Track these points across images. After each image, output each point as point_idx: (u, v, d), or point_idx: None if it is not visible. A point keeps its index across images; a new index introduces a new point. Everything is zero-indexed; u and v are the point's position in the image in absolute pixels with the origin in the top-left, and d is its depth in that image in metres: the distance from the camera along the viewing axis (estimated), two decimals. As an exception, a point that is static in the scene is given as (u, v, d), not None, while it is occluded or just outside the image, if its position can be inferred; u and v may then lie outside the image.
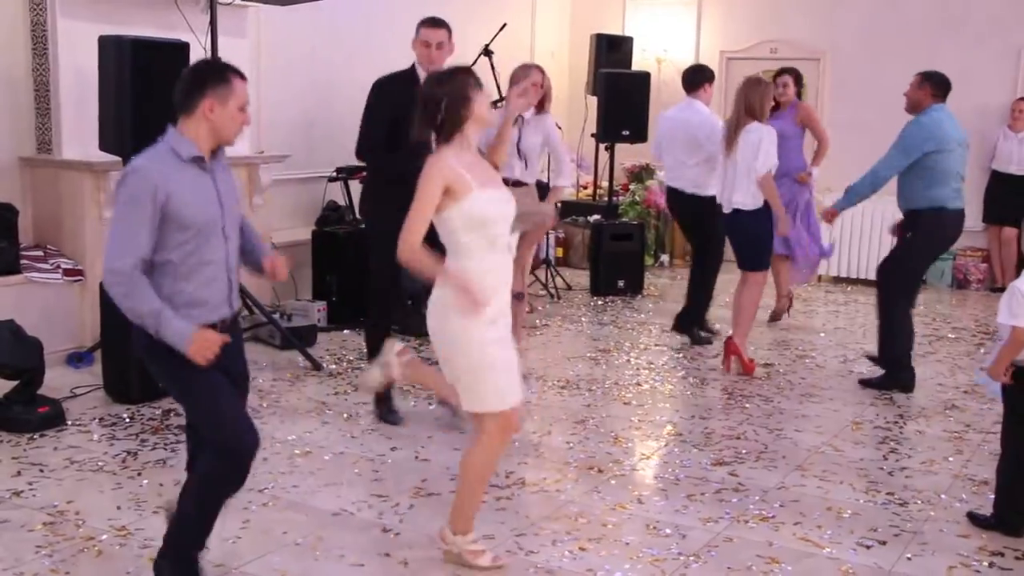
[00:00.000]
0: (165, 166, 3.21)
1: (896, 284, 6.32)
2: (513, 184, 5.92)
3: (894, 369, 6.36)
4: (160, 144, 3.29)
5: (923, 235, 6.24)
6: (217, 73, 3.30)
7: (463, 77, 3.59)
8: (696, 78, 7.55)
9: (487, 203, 3.55)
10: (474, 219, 3.53)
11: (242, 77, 3.33)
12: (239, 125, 3.33)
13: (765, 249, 6.71)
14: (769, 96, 6.62)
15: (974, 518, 4.41)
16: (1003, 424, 4.39)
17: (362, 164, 8.23)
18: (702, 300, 7.52)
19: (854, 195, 6.47)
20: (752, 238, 6.61)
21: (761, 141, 6.37)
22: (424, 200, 3.51)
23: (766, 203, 6.47)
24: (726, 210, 6.67)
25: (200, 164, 3.29)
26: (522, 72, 5.97)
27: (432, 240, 3.63)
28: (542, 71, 6.05)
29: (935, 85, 6.22)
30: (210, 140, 3.31)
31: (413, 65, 5.39)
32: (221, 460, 3.36)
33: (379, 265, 5.37)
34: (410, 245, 3.52)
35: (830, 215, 6.74)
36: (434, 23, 5.32)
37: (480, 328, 3.56)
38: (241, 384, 3.58)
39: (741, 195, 6.50)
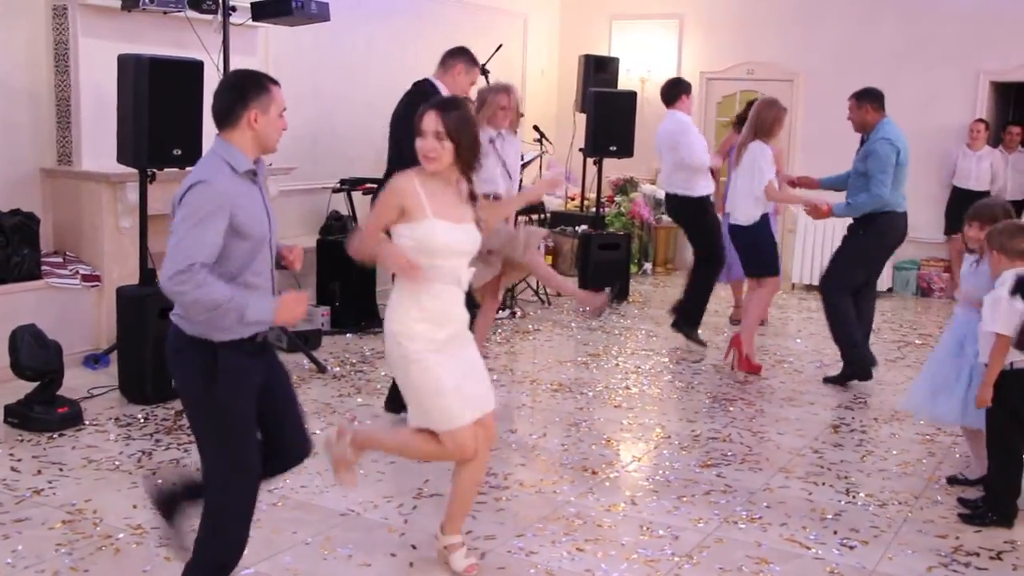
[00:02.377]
0: (226, 179, 3.01)
1: (837, 282, 6.27)
2: (495, 198, 5.80)
3: (849, 358, 6.36)
4: (213, 156, 3.07)
5: (878, 236, 6.23)
6: (256, 83, 3.13)
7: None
8: (673, 91, 7.56)
9: (440, 232, 3.39)
10: (423, 245, 3.39)
11: (277, 83, 3.19)
12: (280, 131, 3.18)
13: (769, 254, 6.64)
14: (781, 118, 6.49)
15: (964, 502, 4.43)
16: (989, 421, 4.29)
17: (365, 177, 8.20)
18: (702, 299, 7.45)
19: (854, 211, 6.27)
20: (753, 246, 6.59)
21: (755, 160, 6.30)
22: (378, 212, 3.51)
23: (764, 215, 6.46)
24: (731, 221, 6.68)
25: (252, 177, 3.12)
26: (491, 95, 5.81)
27: None
28: (509, 92, 5.85)
29: (875, 100, 6.22)
30: (255, 150, 3.12)
31: (431, 82, 5.31)
32: (220, 494, 3.13)
33: None
34: (354, 245, 3.52)
35: (823, 212, 6.35)
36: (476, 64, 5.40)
37: (425, 355, 3.44)
38: (283, 391, 3.32)
39: (739, 212, 6.51)
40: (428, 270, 3.39)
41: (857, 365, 6.35)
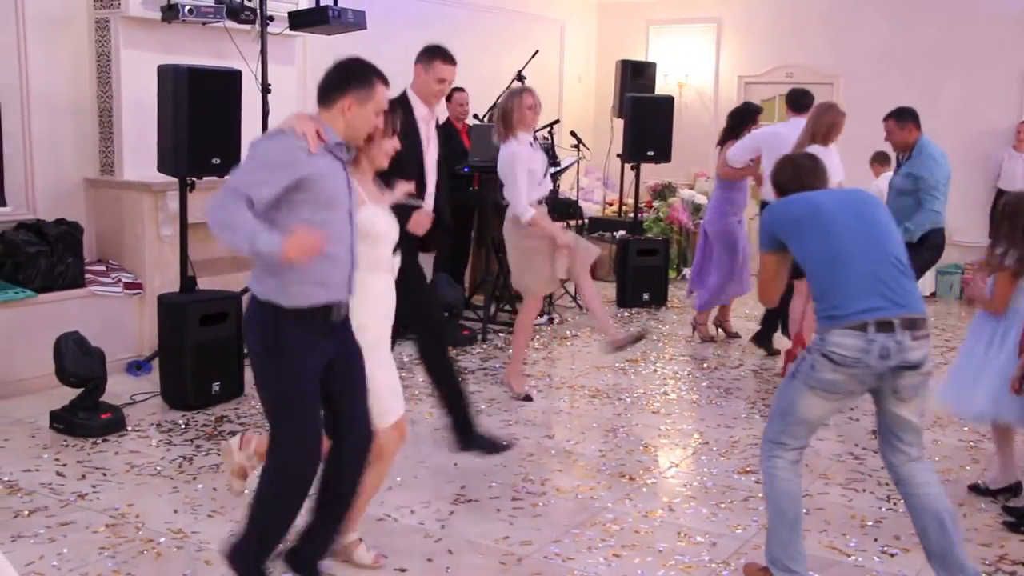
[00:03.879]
0: (312, 142, 3.04)
1: None
2: (541, 203, 5.82)
3: None
4: None
5: (934, 252, 6.21)
6: (361, 74, 3.15)
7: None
8: (803, 100, 7.30)
9: (380, 218, 3.43)
10: (365, 231, 3.37)
11: (385, 82, 3.18)
12: (371, 128, 3.20)
13: None
14: (839, 123, 6.32)
15: (1009, 510, 4.37)
16: None
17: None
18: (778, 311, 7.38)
19: (915, 234, 6.11)
20: None
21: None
22: None
23: None
24: None
25: (339, 152, 3.14)
26: (516, 99, 5.70)
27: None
28: (531, 91, 5.81)
29: (915, 119, 6.19)
30: (342, 135, 3.15)
31: (405, 92, 4.97)
32: (282, 458, 3.21)
33: None
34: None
35: None
36: (453, 60, 4.92)
37: (381, 347, 3.50)
38: (349, 375, 3.30)
39: None
40: (372, 259, 3.40)
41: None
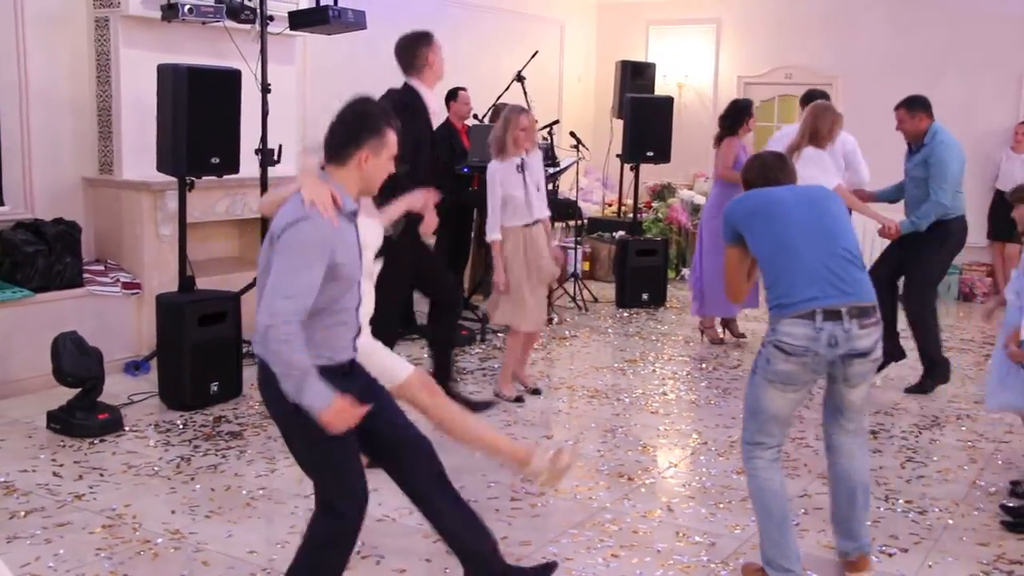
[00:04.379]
0: (333, 215, 2.92)
1: (926, 296, 6.24)
2: (533, 224, 5.81)
3: (933, 366, 6.38)
4: None
5: (954, 243, 6.21)
6: (373, 125, 3.01)
7: None
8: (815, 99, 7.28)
9: (363, 230, 3.30)
10: None
11: (393, 125, 3.06)
12: (386, 175, 3.09)
13: None
14: (839, 123, 6.25)
15: (1007, 509, 4.40)
16: None
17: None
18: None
19: (920, 225, 6.12)
20: None
21: (810, 167, 5.98)
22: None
23: None
24: None
25: (352, 218, 3.03)
26: (512, 116, 5.72)
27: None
28: (528, 113, 5.85)
29: (926, 107, 6.16)
30: (357, 190, 3.04)
31: (409, 86, 5.14)
32: (329, 521, 3.08)
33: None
34: None
35: (894, 234, 6.22)
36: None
37: None
38: (386, 413, 3.23)
39: None
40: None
41: (941, 370, 6.38)
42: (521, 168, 5.72)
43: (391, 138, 3.04)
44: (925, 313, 6.29)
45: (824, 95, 7.35)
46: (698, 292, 7.56)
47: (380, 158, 3.02)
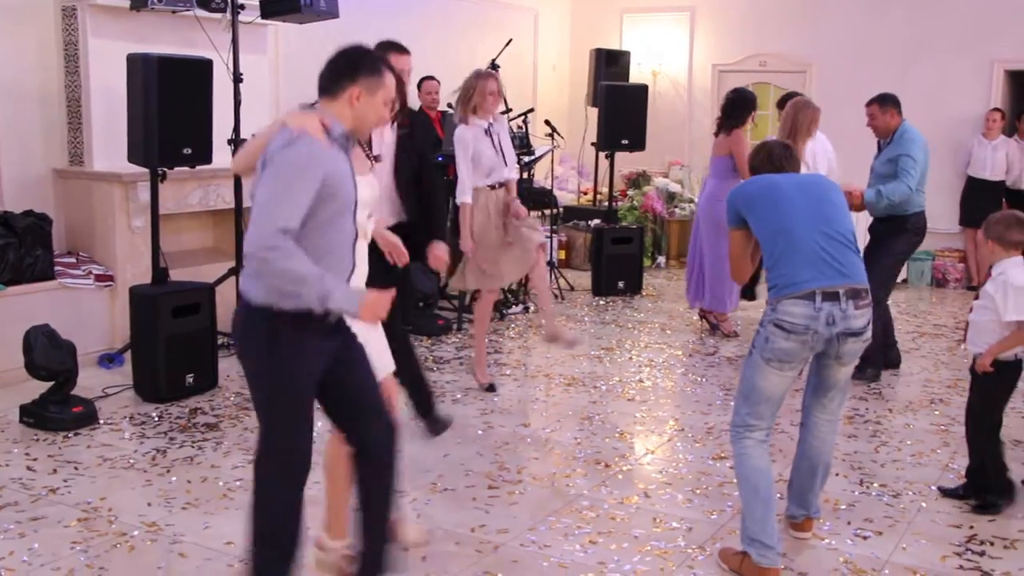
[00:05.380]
0: (322, 140, 2.89)
1: (885, 287, 6.26)
2: (500, 186, 5.84)
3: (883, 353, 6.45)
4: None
5: (913, 236, 6.23)
6: (372, 63, 2.99)
7: None
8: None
9: (361, 187, 3.23)
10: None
11: (394, 72, 3.05)
12: (378, 120, 3.06)
13: None
14: (817, 119, 6.35)
15: (945, 491, 4.49)
16: (973, 409, 4.42)
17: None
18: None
19: (886, 199, 6.08)
20: None
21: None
22: None
23: None
24: None
25: (344, 144, 3.00)
26: (479, 82, 5.71)
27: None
28: (495, 77, 5.83)
29: (897, 104, 6.22)
30: (349, 127, 2.99)
31: None
32: (273, 463, 3.06)
33: None
34: None
35: (857, 201, 6.08)
36: (407, 51, 4.77)
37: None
38: (355, 375, 3.16)
39: None
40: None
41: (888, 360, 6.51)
42: (489, 132, 5.77)
43: (388, 81, 3.01)
44: (879, 309, 6.31)
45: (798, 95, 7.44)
46: (697, 284, 7.53)
47: (374, 98, 2.98)
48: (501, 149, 5.82)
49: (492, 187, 5.81)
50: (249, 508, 3.11)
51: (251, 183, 3.00)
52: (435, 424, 4.69)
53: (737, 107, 7.29)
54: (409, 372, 4.69)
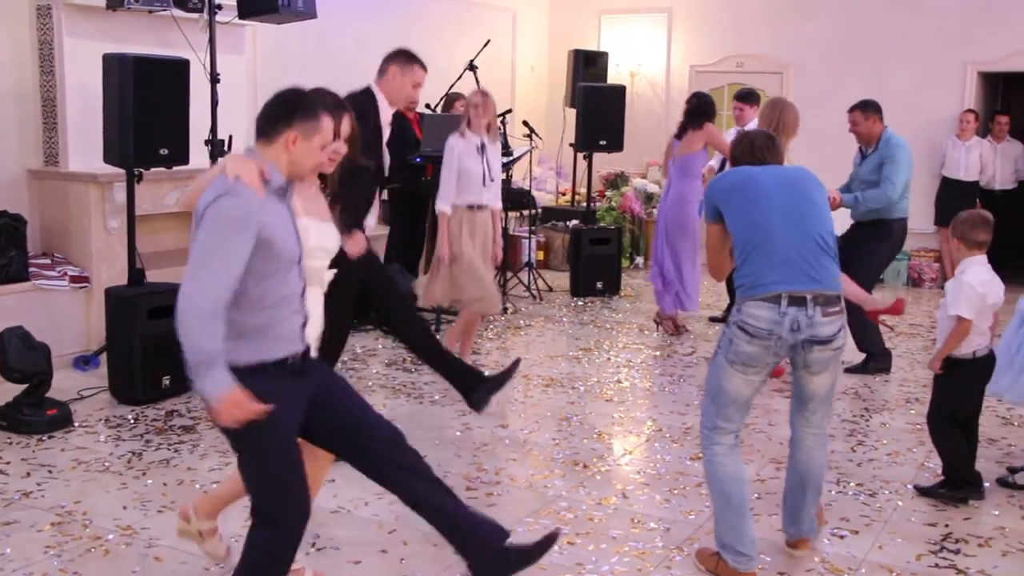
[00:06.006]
0: (258, 190, 2.80)
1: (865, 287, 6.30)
2: (480, 208, 5.87)
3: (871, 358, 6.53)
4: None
5: (895, 242, 6.30)
6: (308, 106, 2.91)
7: None
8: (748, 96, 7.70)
9: (312, 232, 3.20)
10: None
11: (331, 115, 2.97)
12: (316, 164, 2.98)
13: None
14: (797, 120, 6.31)
15: (920, 489, 4.52)
16: (935, 408, 4.50)
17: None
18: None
19: (864, 206, 6.20)
20: None
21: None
22: None
23: None
24: None
25: (282, 194, 2.91)
26: (471, 98, 5.87)
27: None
28: (483, 94, 5.89)
29: (879, 111, 6.27)
30: (285, 172, 2.90)
31: (370, 88, 5.04)
32: (267, 530, 2.93)
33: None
34: None
35: (835, 204, 6.18)
36: (426, 67, 5.04)
37: None
38: (339, 389, 3.16)
39: None
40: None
41: (882, 360, 6.56)
42: (481, 150, 5.83)
43: (325, 125, 2.93)
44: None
45: (754, 93, 7.52)
46: (666, 286, 7.48)
47: (310, 143, 2.90)
48: (488, 171, 5.85)
49: (471, 207, 5.83)
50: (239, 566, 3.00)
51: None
52: (480, 400, 5.03)
53: (701, 111, 7.30)
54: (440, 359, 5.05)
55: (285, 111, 2.90)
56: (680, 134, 7.41)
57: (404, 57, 5.03)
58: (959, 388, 4.40)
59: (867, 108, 6.23)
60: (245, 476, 3.00)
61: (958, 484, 4.42)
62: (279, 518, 2.93)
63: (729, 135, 7.50)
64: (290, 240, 2.88)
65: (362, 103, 4.88)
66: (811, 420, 3.74)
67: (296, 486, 2.94)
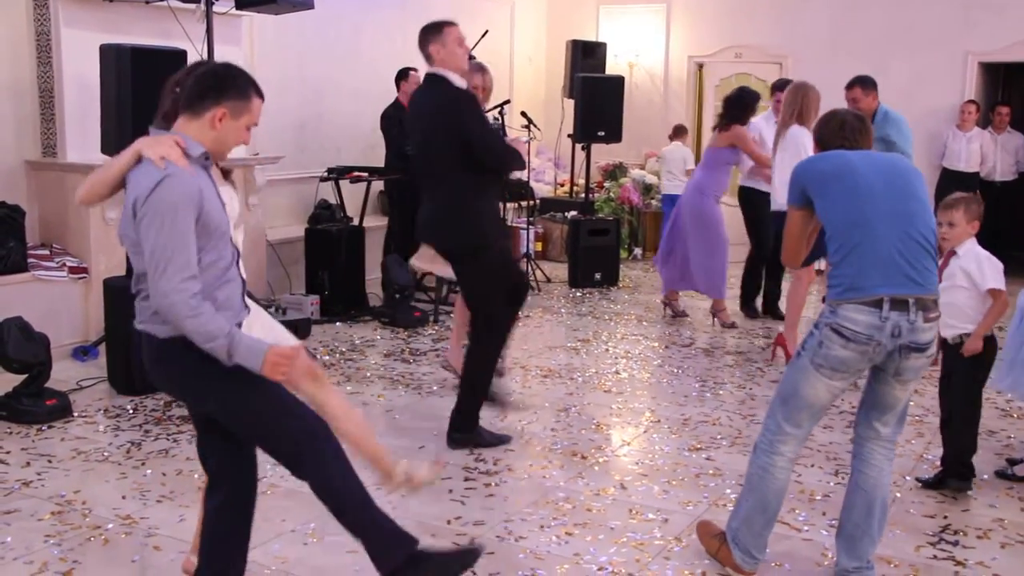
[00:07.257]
0: (186, 165, 2.75)
1: None
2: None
3: None
4: None
5: None
6: (239, 85, 2.85)
7: None
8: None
9: (233, 200, 3.13)
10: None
11: (261, 96, 2.92)
12: (238, 143, 2.93)
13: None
14: (819, 102, 6.23)
15: (924, 482, 4.52)
16: (951, 385, 4.45)
17: (353, 165, 8.17)
18: (748, 285, 7.88)
19: None
20: None
21: (799, 143, 6.04)
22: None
23: None
24: (774, 207, 6.52)
25: (204, 164, 2.84)
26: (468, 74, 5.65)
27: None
28: (482, 69, 5.83)
29: (875, 87, 6.27)
30: (207, 148, 2.84)
31: (438, 75, 5.03)
32: (304, 468, 2.93)
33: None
34: None
35: None
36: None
37: None
38: None
39: (782, 197, 6.37)
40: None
41: None
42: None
43: (255, 105, 2.88)
44: None
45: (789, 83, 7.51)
46: (683, 268, 7.54)
47: (238, 121, 2.85)
48: None
49: None
50: (322, 496, 3.02)
51: (118, 223, 2.90)
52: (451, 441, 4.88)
53: (738, 105, 7.30)
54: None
55: (217, 87, 2.83)
56: (715, 127, 7.48)
57: (434, 27, 5.02)
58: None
59: (867, 84, 6.22)
60: (257, 436, 2.98)
61: (965, 474, 4.42)
62: (302, 450, 2.91)
63: (756, 124, 7.46)
64: (219, 209, 2.84)
65: (461, 97, 4.92)
66: (882, 432, 3.47)
67: (299, 406, 2.96)
